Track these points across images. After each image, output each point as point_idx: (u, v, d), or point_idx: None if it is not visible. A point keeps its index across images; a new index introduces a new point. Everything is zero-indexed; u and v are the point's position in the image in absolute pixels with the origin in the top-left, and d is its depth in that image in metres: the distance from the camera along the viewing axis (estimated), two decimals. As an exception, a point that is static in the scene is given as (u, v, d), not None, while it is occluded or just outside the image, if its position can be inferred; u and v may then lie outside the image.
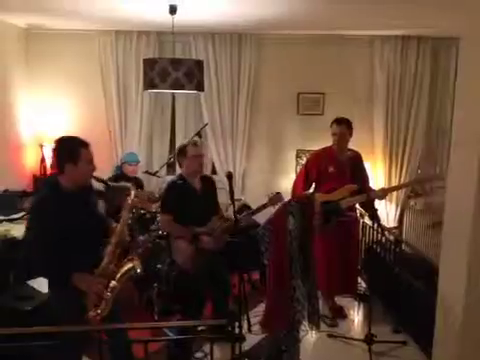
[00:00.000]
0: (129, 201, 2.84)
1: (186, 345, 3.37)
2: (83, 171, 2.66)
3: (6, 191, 4.64)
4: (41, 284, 3.65)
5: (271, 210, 3.53)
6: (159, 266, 4.17)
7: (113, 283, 2.67)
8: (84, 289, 2.58)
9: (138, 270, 2.70)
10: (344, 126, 4.00)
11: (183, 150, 3.64)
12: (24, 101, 5.30)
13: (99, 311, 2.61)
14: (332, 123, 4.04)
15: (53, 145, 2.68)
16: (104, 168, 4.89)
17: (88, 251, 2.66)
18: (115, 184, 3.07)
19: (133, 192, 2.85)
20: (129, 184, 2.94)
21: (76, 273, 2.56)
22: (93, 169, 2.72)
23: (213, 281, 3.62)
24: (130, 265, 2.76)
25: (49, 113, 5.48)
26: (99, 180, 2.83)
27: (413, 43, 5.55)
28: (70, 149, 2.62)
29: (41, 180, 5.19)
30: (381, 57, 5.60)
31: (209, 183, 3.76)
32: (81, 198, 2.72)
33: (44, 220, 2.54)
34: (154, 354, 3.33)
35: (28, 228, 2.65)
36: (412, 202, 5.94)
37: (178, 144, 5.64)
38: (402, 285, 4.02)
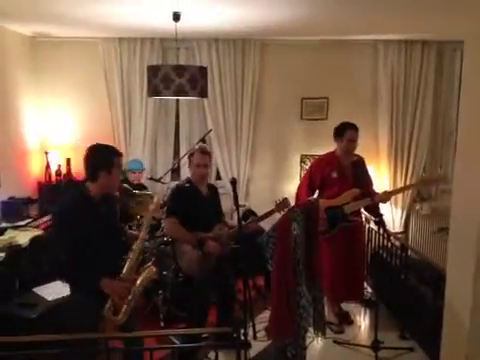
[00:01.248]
0: (151, 209, 2.89)
1: (191, 352, 3.36)
2: (116, 179, 2.75)
3: (11, 198, 4.65)
4: (46, 291, 3.67)
5: (277, 216, 3.52)
6: (164, 273, 4.17)
7: (134, 289, 2.74)
8: (109, 293, 2.64)
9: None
10: (357, 131, 4.00)
11: (190, 156, 3.65)
12: (29, 108, 5.32)
13: (119, 317, 2.68)
14: (346, 129, 3.97)
15: (86, 152, 2.72)
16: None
17: (111, 257, 2.74)
18: (140, 192, 3.12)
19: (155, 200, 2.90)
20: (152, 193, 2.98)
21: (104, 278, 2.63)
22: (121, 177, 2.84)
23: (218, 286, 3.61)
24: (150, 271, 2.84)
25: (54, 120, 5.51)
26: (125, 188, 2.90)
27: (417, 47, 5.54)
28: (106, 157, 2.69)
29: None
30: (385, 61, 5.59)
31: (213, 190, 3.77)
32: (106, 205, 2.79)
33: (74, 226, 2.60)
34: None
35: (57, 233, 2.70)
36: (418, 206, 5.90)
37: (182, 150, 5.66)
38: (408, 291, 3.99)
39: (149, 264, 2.90)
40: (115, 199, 2.94)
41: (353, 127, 4.00)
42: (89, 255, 2.60)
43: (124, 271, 2.74)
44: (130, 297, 2.71)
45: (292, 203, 3.89)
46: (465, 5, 2.72)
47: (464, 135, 2.78)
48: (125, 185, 2.97)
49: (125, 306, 2.69)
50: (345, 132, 3.98)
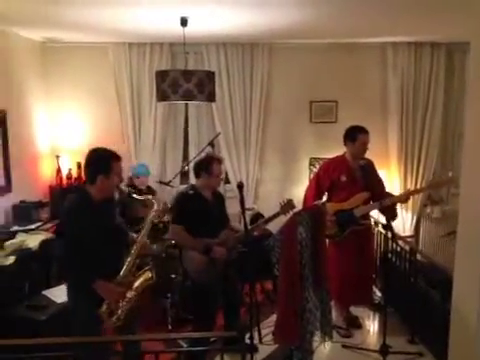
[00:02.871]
0: (152, 214, 2.94)
1: (198, 356, 3.37)
2: (113, 183, 2.79)
3: (22, 202, 4.71)
4: (55, 294, 3.70)
5: (283, 219, 3.51)
6: (173, 276, 4.19)
7: (130, 293, 2.77)
8: (102, 295, 2.67)
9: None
10: (368, 135, 3.99)
11: (207, 165, 3.59)
12: (40, 113, 5.39)
13: (114, 319, 2.68)
14: (358, 132, 3.96)
15: (86, 156, 2.78)
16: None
17: (110, 259, 2.76)
18: (138, 197, 3.16)
19: (156, 206, 2.96)
20: (151, 197, 3.02)
21: (99, 280, 2.66)
22: (121, 181, 2.87)
23: (225, 291, 3.62)
24: (146, 276, 2.84)
25: (65, 124, 5.57)
26: (124, 192, 2.95)
27: (426, 49, 5.52)
28: (103, 161, 2.73)
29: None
30: (394, 64, 5.57)
31: (218, 196, 3.78)
32: (107, 208, 2.84)
33: (73, 226, 2.66)
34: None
35: (59, 233, 2.78)
36: (428, 210, 5.85)
37: (191, 154, 5.68)
38: (418, 294, 3.95)
39: (146, 268, 2.91)
40: (114, 201, 2.97)
41: (365, 131, 3.98)
42: (86, 255, 2.63)
43: (121, 274, 2.77)
44: (125, 301, 2.72)
45: (299, 206, 3.88)
46: (469, 5, 2.70)
47: (471, 137, 2.75)
48: (124, 187, 3.01)
49: (120, 310, 2.71)
50: (357, 136, 3.96)
